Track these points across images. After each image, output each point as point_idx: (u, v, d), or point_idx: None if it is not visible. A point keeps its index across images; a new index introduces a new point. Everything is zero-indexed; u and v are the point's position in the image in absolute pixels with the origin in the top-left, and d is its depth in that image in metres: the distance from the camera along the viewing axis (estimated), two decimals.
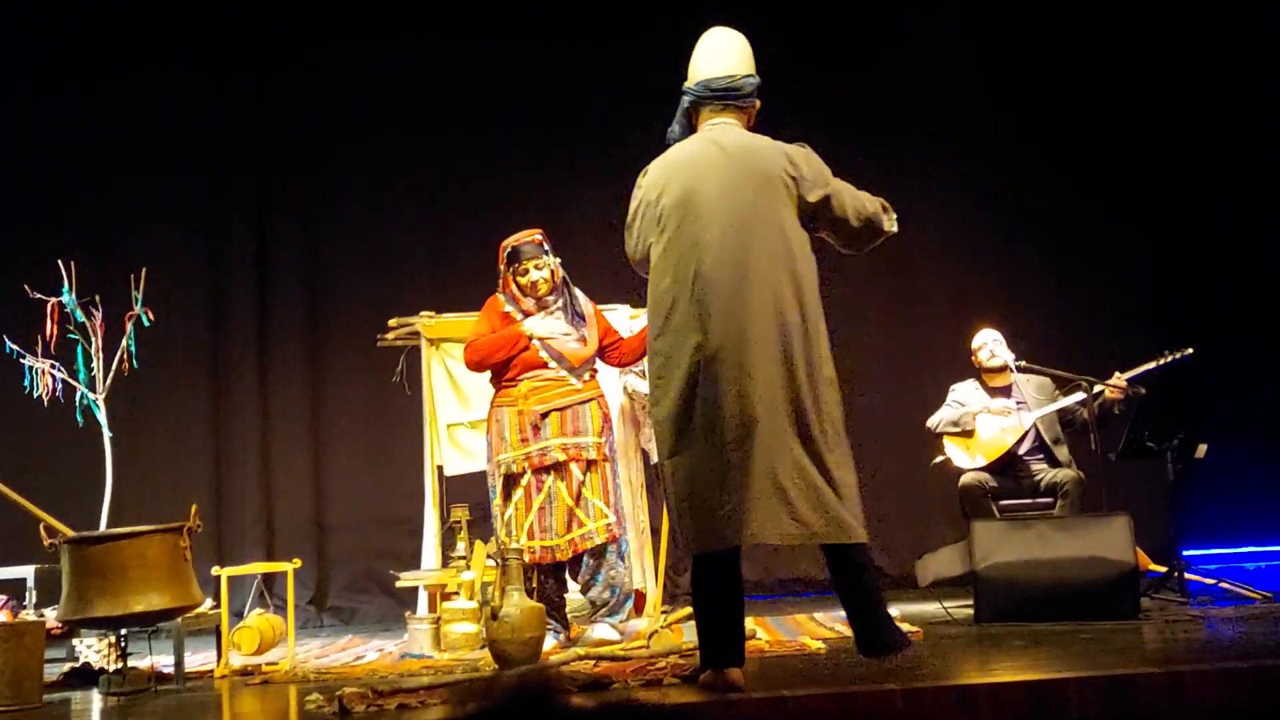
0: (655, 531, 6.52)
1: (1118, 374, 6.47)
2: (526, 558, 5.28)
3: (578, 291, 5.76)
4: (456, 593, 5.77)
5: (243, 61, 8.35)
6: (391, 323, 6.72)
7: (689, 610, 6.29)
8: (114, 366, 5.91)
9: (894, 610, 6.13)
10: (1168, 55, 8.43)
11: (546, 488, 5.43)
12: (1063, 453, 6.63)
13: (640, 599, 6.69)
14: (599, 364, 6.77)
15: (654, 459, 6.48)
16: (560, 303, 5.64)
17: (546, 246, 5.62)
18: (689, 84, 4.05)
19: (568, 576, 5.69)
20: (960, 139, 8.24)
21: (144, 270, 6.02)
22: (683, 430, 3.80)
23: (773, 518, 3.74)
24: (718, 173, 3.88)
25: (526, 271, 5.56)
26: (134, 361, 5.96)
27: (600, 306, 6.77)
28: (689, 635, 5.52)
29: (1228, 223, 8.41)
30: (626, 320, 6.82)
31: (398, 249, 8.33)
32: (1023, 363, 6.66)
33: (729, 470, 3.72)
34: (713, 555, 3.82)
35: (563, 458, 5.42)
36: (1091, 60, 8.54)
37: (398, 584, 6.35)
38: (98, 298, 5.94)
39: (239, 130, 8.33)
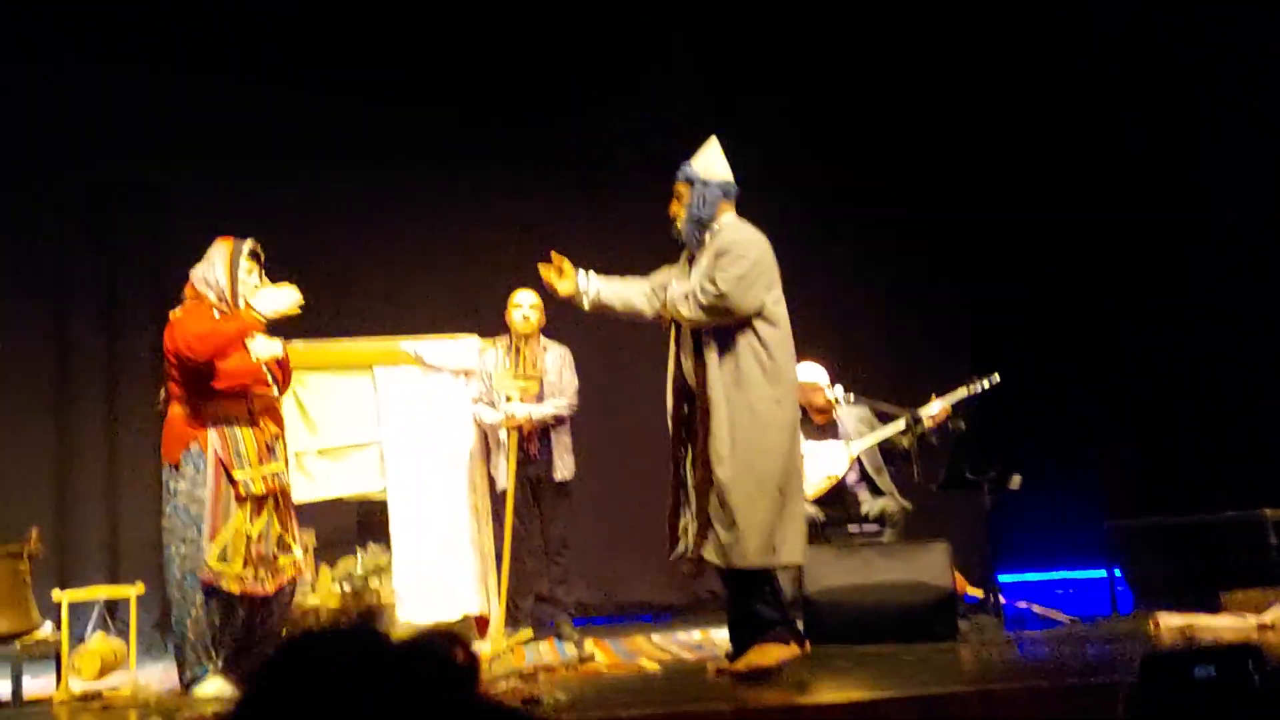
0: (499, 557, 6.66)
1: (935, 397, 6.82)
2: (234, 588, 4.98)
3: None
4: (302, 618, 5.83)
5: (82, 81, 8.22)
6: None
7: (529, 633, 6.47)
8: None
9: (723, 633, 6.41)
10: (982, 95, 8.90)
11: (266, 515, 5.16)
12: (885, 481, 6.94)
13: (483, 623, 6.82)
14: (453, 395, 6.88)
15: (500, 485, 6.66)
16: None
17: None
18: (719, 180, 4.97)
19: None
20: (782, 168, 8.52)
21: None
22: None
23: None
24: None
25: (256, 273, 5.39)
26: None
27: (448, 336, 6.95)
28: (530, 658, 5.68)
29: (1039, 258, 8.90)
30: (475, 350, 6.95)
31: None
32: (850, 396, 6.95)
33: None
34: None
35: (279, 486, 5.25)
36: (913, 97, 8.95)
37: None
38: None
39: (84, 144, 8.16)
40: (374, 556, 6.69)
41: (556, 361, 6.83)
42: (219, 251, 5.39)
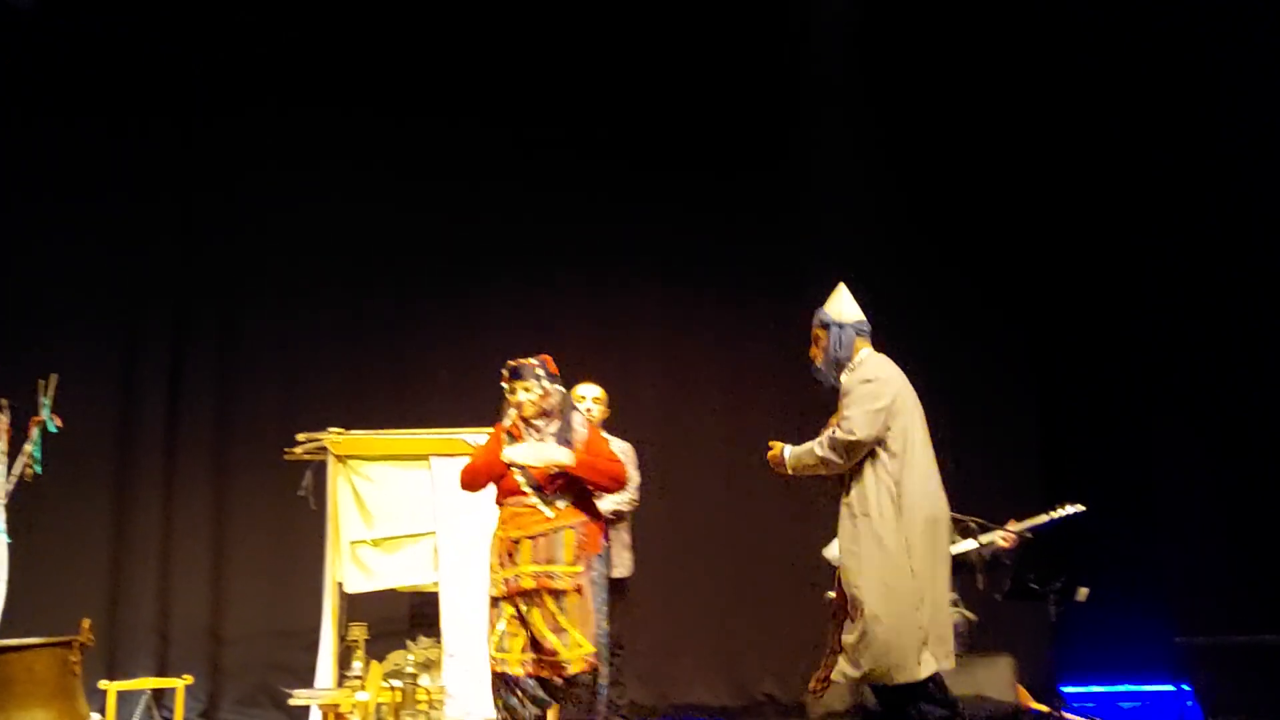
0: None
1: (1013, 521, 6.65)
2: (517, 671, 5.27)
3: (577, 418, 5.63)
4: (351, 713, 5.76)
5: (163, 178, 8.42)
6: (300, 437, 6.74)
7: None
8: (17, 471, 5.88)
9: None
10: (1058, 213, 8.86)
11: (521, 612, 5.34)
12: (953, 593, 6.77)
13: None
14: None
15: None
16: (552, 429, 5.51)
17: (542, 372, 5.50)
18: (853, 321, 5.30)
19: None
20: (857, 280, 8.52)
21: (53, 377, 6.01)
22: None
23: None
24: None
25: (514, 391, 5.48)
26: (37, 467, 5.93)
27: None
28: None
29: (1106, 366, 8.80)
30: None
31: (309, 365, 8.38)
32: None
33: None
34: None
35: (532, 585, 5.32)
36: (988, 214, 8.93)
37: (290, 701, 6.32)
38: (5, 402, 5.93)
39: (156, 243, 8.37)
40: (424, 650, 6.62)
41: (618, 457, 6.74)
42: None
